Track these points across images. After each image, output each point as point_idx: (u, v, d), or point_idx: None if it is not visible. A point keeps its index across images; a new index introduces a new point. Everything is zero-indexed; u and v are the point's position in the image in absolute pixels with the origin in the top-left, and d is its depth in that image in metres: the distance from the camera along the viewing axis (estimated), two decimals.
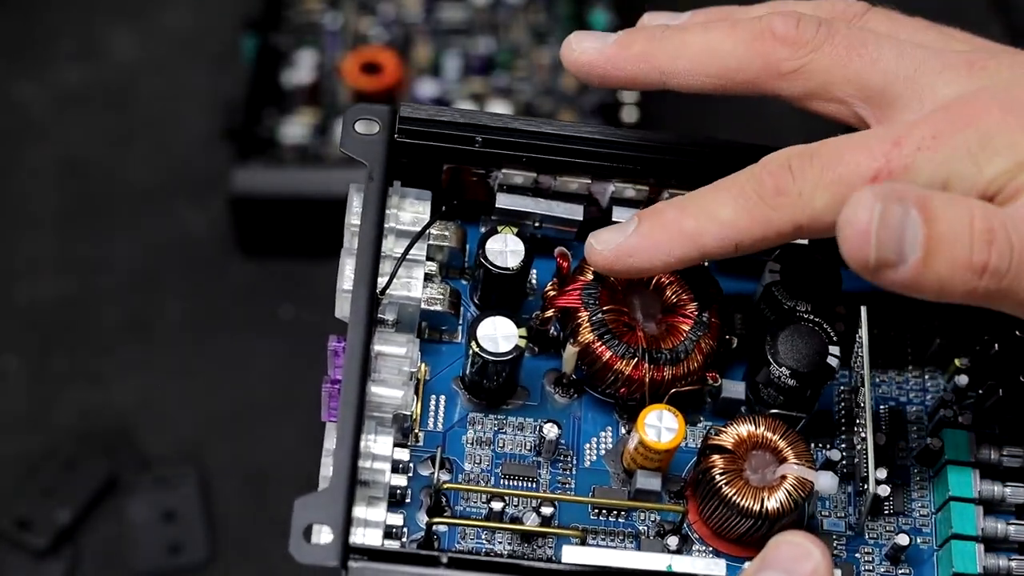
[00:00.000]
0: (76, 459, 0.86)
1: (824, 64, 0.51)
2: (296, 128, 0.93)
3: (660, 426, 0.51)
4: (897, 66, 0.50)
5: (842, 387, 0.55)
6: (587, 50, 0.53)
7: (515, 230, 0.54)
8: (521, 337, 0.52)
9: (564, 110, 0.93)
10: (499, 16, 0.99)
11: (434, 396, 0.54)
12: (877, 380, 0.56)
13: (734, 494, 0.50)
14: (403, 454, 0.51)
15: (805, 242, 0.55)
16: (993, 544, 0.53)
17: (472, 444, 0.53)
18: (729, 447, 0.51)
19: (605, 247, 0.51)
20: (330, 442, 0.50)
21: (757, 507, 0.50)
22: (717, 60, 0.52)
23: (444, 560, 0.47)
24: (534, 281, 0.56)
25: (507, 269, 0.53)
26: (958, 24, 0.54)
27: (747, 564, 0.48)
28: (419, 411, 0.53)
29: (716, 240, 0.49)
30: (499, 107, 0.91)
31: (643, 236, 0.50)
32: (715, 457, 0.51)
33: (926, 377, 0.56)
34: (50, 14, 1.03)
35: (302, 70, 0.95)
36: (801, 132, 0.53)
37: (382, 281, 0.52)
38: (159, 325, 0.92)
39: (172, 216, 0.96)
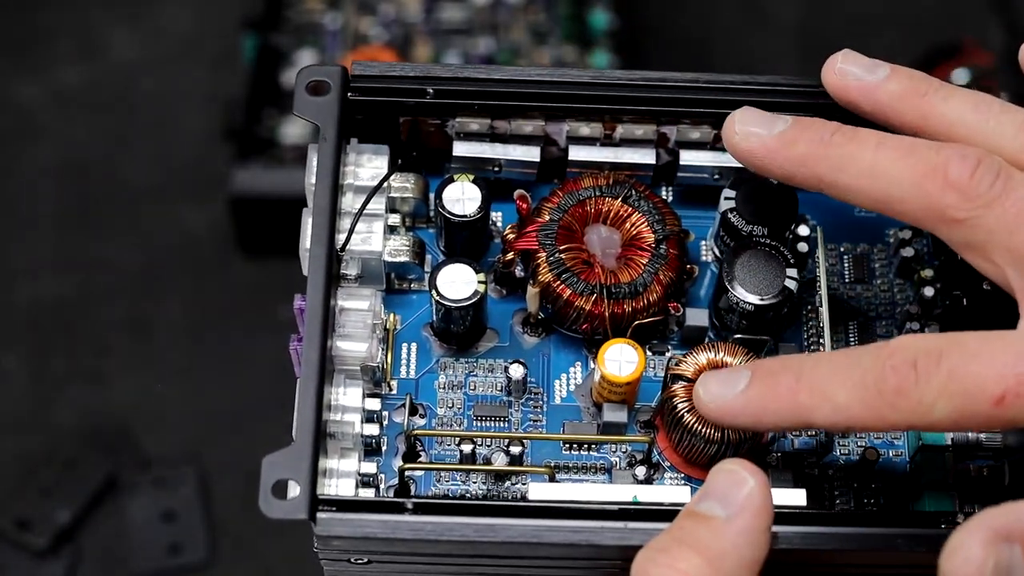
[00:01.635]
0: (76, 459, 0.87)
1: (990, 224, 0.47)
2: (296, 128, 0.94)
3: (620, 360, 0.52)
4: None
5: (808, 307, 0.56)
6: (749, 137, 0.50)
7: (471, 177, 0.55)
8: (480, 282, 0.53)
9: None
10: (499, 16, 0.99)
11: (405, 344, 0.55)
12: (846, 296, 0.57)
13: (695, 422, 0.51)
14: (374, 404, 0.52)
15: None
16: (964, 453, 0.53)
17: (444, 388, 0.54)
18: (690, 376, 0.52)
19: (712, 401, 0.49)
20: (298, 398, 0.52)
21: (718, 433, 0.51)
22: (881, 185, 0.48)
23: (409, 506, 0.49)
24: (499, 224, 0.57)
25: (465, 216, 0.54)
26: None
27: None
28: (390, 360, 0.54)
29: (827, 420, 0.47)
30: None
31: (752, 400, 0.48)
32: (676, 386, 0.52)
33: (895, 290, 0.57)
34: (50, 14, 1.04)
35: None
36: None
37: (341, 238, 0.53)
38: (159, 325, 0.93)
39: (172, 216, 0.97)
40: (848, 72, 0.51)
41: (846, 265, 0.57)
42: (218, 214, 0.95)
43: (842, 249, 0.57)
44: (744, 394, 0.49)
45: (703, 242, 0.57)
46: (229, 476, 0.88)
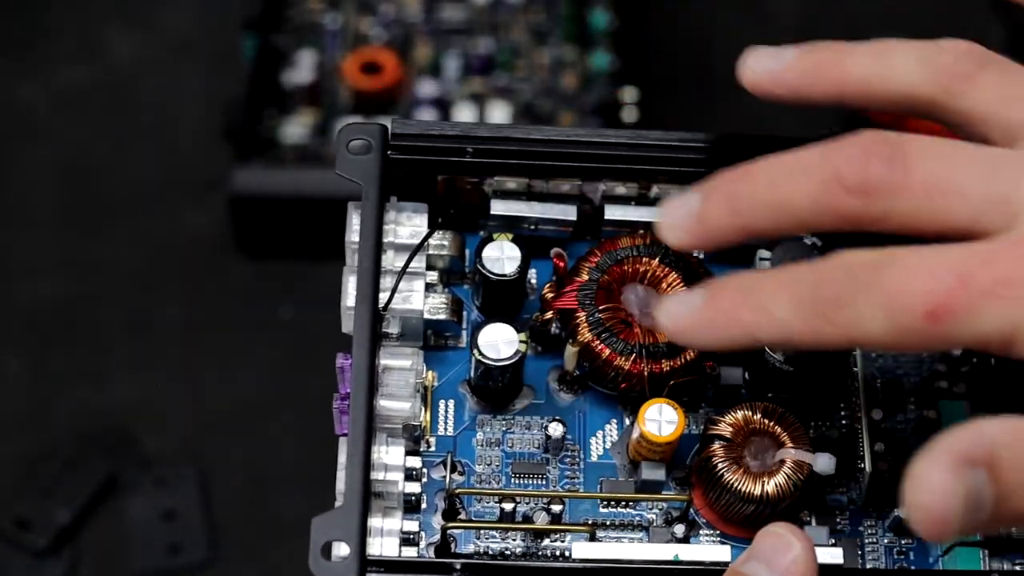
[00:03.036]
0: (76, 459, 0.87)
1: (904, 211, 0.46)
2: (296, 128, 0.94)
3: (660, 419, 0.53)
4: (988, 191, 0.46)
5: (851, 363, 0.57)
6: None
7: (510, 236, 0.55)
8: (521, 342, 0.54)
9: (564, 110, 0.94)
10: (499, 16, 0.99)
11: (443, 401, 0.56)
12: (873, 355, 0.58)
13: (734, 480, 0.52)
14: (415, 461, 0.53)
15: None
16: None
17: (482, 446, 0.55)
18: (727, 435, 0.53)
19: (669, 321, 0.49)
20: (343, 457, 0.52)
21: (758, 492, 0.52)
22: (791, 218, 0.48)
23: (458, 566, 0.49)
24: (534, 281, 0.58)
25: (504, 275, 0.55)
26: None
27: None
28: (429, 418, 0.55)
29: (770, 336, 0.47)
30: (499, 107, 0.92)
31: (704, 319, 0.48)
32: (714, 446, 0.53)
33: (924, 352, 0.58)
34: (50, 14, 1.04)
35: (302, 70, 0.96)
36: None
37: (384, 296, 0.54)
38: (159, 325, 0.93)
39: (172, 216, 0.97)
40: (757, 66, 0.52)
41: None
42: (219, 214, 0.95)
43: None
44: (697, 313, 0.48)
45: None
46: (230, 476, 0.88)
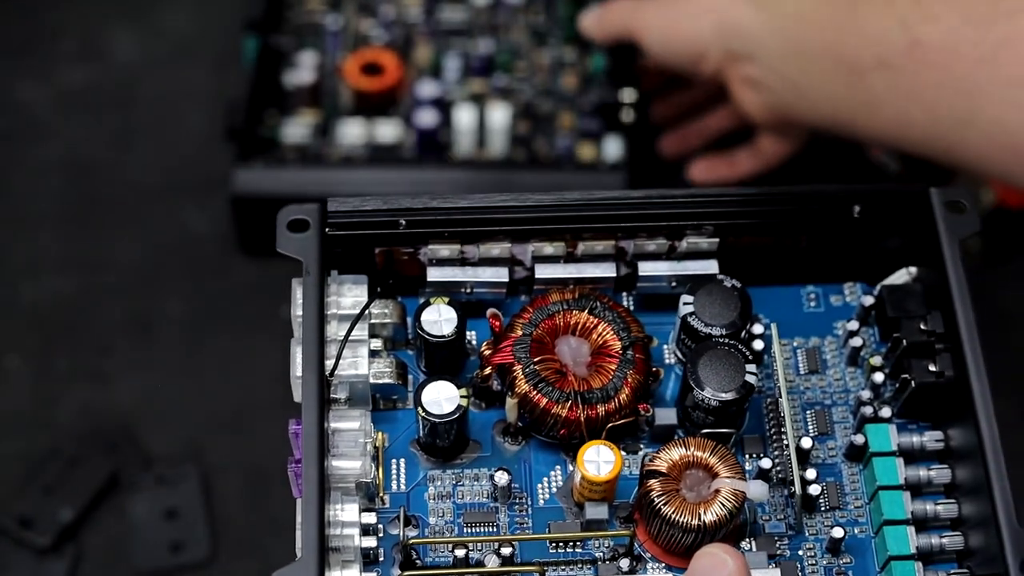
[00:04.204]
0: (78, 457, 0.87)
1: None
2: (297, 128, 0.94)
3: (599, 460, 0.56)
4: None
5: (769, 399, 0.60)
6: None
7: (446, 300, 0.59)
8: (462, 397, 0.57)
9: (564, 111, 0.94)
10: (499, 17, 0.99)
11: (395, 460, 0.59)
12: (802, 388, 0.61)
13: (673, 512, 0.55)
14: (370, 517, 0.56)
15: (715, 272, 0.60)
16: (924, 524, 0.57)
17: (434, 499, 0.58)
18: (664, 471, 0.55)
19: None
20: (300, 516, 0.55)
21: (695, 522, 0.54)
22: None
23: None
24: (474, 341, 0.61)
25: (443, 336, 0.58)
26: None
27: None
28: (382, 476, 0.58)
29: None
30: (499, 108, 0.92)
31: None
32: (652, 481, 0.55)
33: (847, 378, 0.61)
34: (53, 14, 1.04)
35: (303, 71, 0.95)
36: None
37: (329, 364, 0.57)
38: (161, 324, 0.93)
39: (174, 216, 0.96)
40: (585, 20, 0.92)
41: (800, 358, 0.61)
42: (219, 214, 0.95)
43: (795, 343, 0.62)
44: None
45: (665, 346, 0.61)
46: (231, 474, 0.88)
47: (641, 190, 0.59)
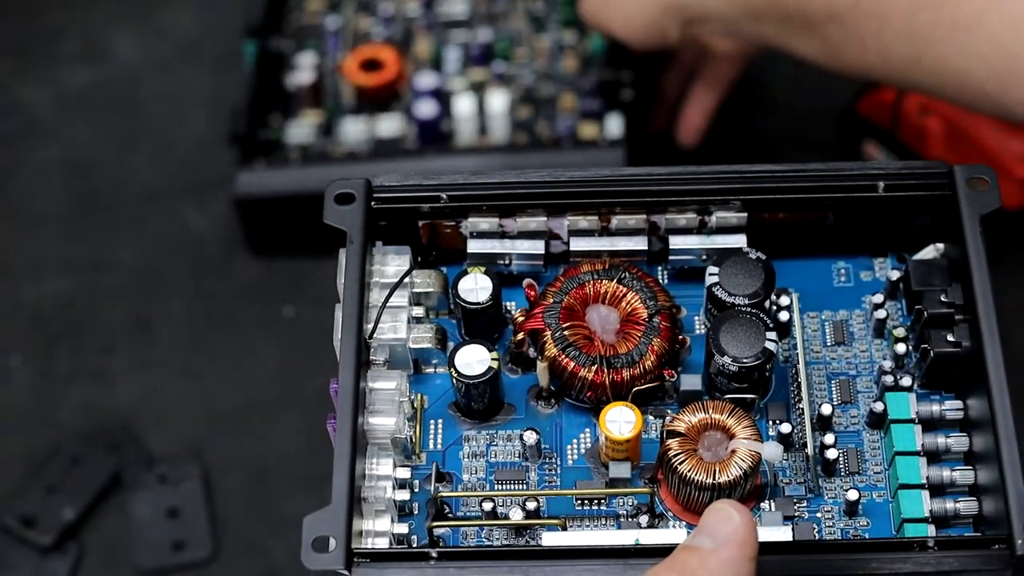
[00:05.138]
0: (80, 457, 0.87)
1: None
2: (301, 129, 0.95)
3: (620, 420, 0.58)
4: None
5: (793, 368, 0.62)
6: None
7: (483, 269, 0.62)
8: (493, 359, 0.60)
9: (565, 92, 0.95)
10: (497, 6, 1.01)
11: (432, 421, 0.62)
12: (828, 358, 0.62)
13: (690, 470, 0.57)
14: (404, 472, 0.59)
15: (742, 246, 0.62)
16: (941, 490, 0.59)
17: (468, 458, 0.61)
18: (682, 431, 0.58)
19: None
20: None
21: (711, 480, 0.57)
22: None
23: (434, 554, 0.55)
24: (513, 311, 0.64)
25: (479, 304, 0.61)
26: None
27: None
28: (419, 435, 0.61)
29: None
30: (498, 95, 0.93)
31: None
32: (671, 441, 0.58)
33: (872, 349, 0.63)
34: (55, 17, 1.05)
35: (303, 72, 0.96)
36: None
37: (368, 328, 0.60)
38: (163, 324, 0.94)
39: (175, 216, 0.97)
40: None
41: (827, 330, 0.63)
42: (221, 214, 0.96)
43: (823, 316, 0.63)
44: None
45: (696, 317, 0.63)
46: (233, 473, 0.88)
47: (669, 166, 0.62)
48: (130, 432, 0.90)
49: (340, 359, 0.59)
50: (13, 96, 1.03)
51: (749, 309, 0.60)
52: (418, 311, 0.63)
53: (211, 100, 0.99)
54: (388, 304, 0.61)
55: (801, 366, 0.60)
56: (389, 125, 0.95)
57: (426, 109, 0.94)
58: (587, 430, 0.61)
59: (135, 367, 0.92)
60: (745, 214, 0.62)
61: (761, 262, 0.61)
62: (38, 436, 0.90)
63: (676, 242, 0.63)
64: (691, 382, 0.61)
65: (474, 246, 0.63)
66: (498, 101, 0.93)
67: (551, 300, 0.61)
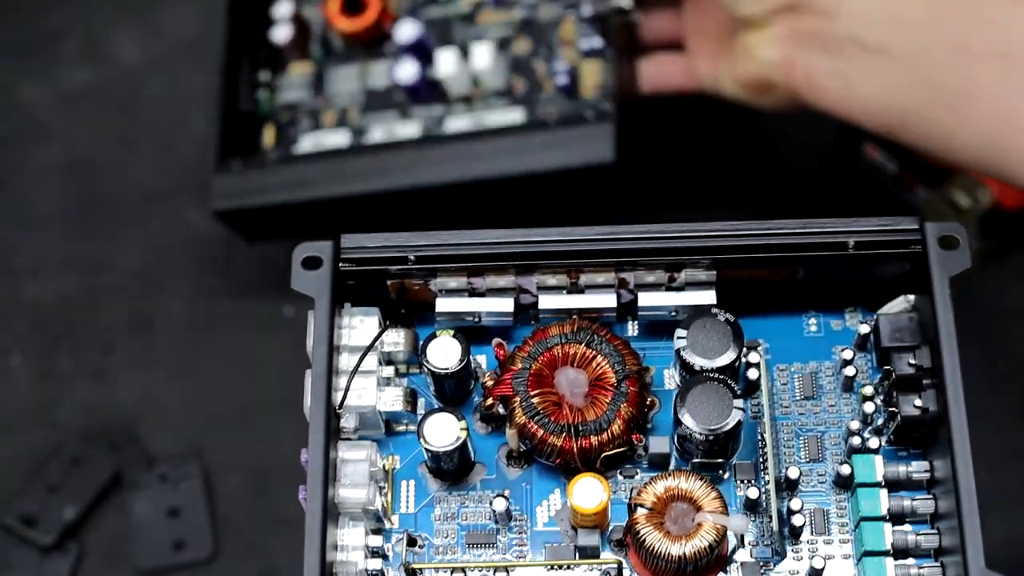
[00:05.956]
0: (81, 456, 0.87)
1: None
2: (292, 91, 0.90)
3: (587, 492, 0.59)
4: None
5: (762, 427, 0.62)
6: None
7: (451, 332, 0.62)
8: (462, 429, 0.60)
9: (566, 18, 0.88)
10: None
11: (404, 482, 0.62)
12: (796, 413, 0.63)
13: (657, 543, 0.58)
14: (376, 540, 0.60)
15: (712, 303, 0.62)
16: (905, 553, 0.59)
17: (440, 520, 0.62)
18: (649, 504, 0.58)
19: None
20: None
21: (677, 553, 0.57)
22: None
23: None
24: (484, 366, 0.64)
25: (447, 369, 0.61)
26: None
27: None
28: (391, 497, 0.62)
29: None
30: (481, 49, 0.87)
31: None
32: (638, 514, 0.58)
33: (841, 403, 0.63)
34: (55, 17, 1.04)
35: (281, 26, 0.91)
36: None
37: (338, 396, 0.60)
38: (163, 323, 0.93)
39: (175, 216, 0.97)
40: None
41: (796, 385, 0.63)
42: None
43: (793, 368, 0.64)
44: None
45: (665, 370, 0.64)
46: (233, 473, 0.89)
47: (639, 225, 0.62)
48: (130, 432, 0.89)
49: (310, 430, 0.59)
50: (13, 96, 1.02)
51: (717, 376, 0.60)
52: (387, 371, 0.63)
53: (211, 100, 0.96)
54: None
55: (768, 433, 0.60)
56: (379, 73, 0.91)
57: (407, 72, 0.88)
58: (557, 491, 0.62)
59: (135, 367, 0.92)
60: (714, 272, 0.62)
61: (730, 324, 0.61)
62: (38, 436, 0.90)
63: (645, 299, 0.63)
64: (659, 444, 0.61)
65: (443, 304, 0.63)
66: (481, 57, 0.87)
67: (520, 365, 0.61)
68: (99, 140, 1.00)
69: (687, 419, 0.59)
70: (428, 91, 0.89)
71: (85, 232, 0.97)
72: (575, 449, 0.60)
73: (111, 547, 0.86)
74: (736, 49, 0.80)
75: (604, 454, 0.60)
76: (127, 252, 0.96)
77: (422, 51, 0.89)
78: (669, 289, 0.63)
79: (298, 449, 0.87)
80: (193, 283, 0.95)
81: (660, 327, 0.64)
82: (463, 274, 0.63)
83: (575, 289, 0.63)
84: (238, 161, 0.88)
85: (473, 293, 0.63)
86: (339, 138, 0.89)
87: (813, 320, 0.65)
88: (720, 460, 0.61)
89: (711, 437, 0.59)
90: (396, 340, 0.63)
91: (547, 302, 0.63)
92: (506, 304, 0.63)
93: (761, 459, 0.62)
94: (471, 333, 0.63)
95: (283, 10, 0.93)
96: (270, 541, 0.86)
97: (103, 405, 0.91)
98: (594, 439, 0.60)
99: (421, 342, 0.62)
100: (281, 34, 0.92)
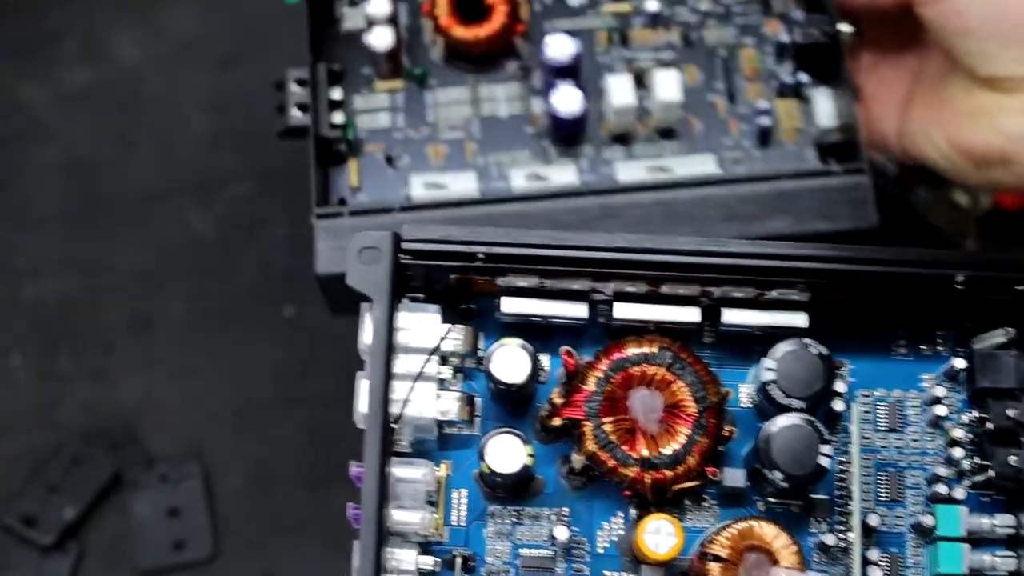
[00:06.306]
0: (81, 456, 0.88)
1: None
2: (370, 115, 0.73)
3: (659, 535, 0.55)
4: None
5: (841, 468, 0.58)
6: None
7: (519, 342, 0.57)
8: (528, 455, 0.56)
9: (743, 45, 0.73)
10: None
11: (456, 491, 0.58)
12: (878, 445, 0.59)
13: None
14: (427, 561, 0.56)
15: (803, 326, 0.57)
16: None
17: (493, 538, 0.58)
18: (723, 555, 0.55)
19: None
20: (356, 560, 0.55)
21: None
22: None
23: None
24: (546, 366, 0.59)
25: (513, 384, 0.56)
26: None
27: None
28: (442, 509, 0.58)
29: None
30: (666, 76, 0.70)
31: None
32: (712, 567, 0.55)
33: (926, 439, 0.59)
34: (55, 17, 1.03)
35: (378, 31, 0.71)
36: None
37: (394, 398, 0.55)
38: (163, 324, 0.94)
39: (176, 216, 0.97)
40: None
41: (879, 413, 0.59)
42: (221, 214, 0.96)
43: (877, 394, 0.59)
44: None
45: (742, 386, 0.59)
46: (233, 473, 0.90)
47: (733, 242, 0.56)
48: (130, 432, 0.89)
49: (366, 446, 0.54)
50: (13, 96, 1.00)
51: (805, 417, 0.56)
52: (444, 371, 0.58)
53: (211, 100, 0.97)
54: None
55: (855, 485, 0.56)
56: (499, 97, 0.72)
57: (568, 101, 0.69)
58: (619, 514, 0.58)
59: (135, 367, 0.92)
60: (808, 293, 0.57)
61: (822, 358, 0.56)
62: (38, 436, 0.90)
63: (729, 316, 0.58)
64: (734, 477, 0.57)
65: (509, 304, 0.58)
66: (668, 87, 0.71)
67: (593, 388, 0.56)
68: (99, 140, 0.99)
69: (769, 462, 0.55)
70: (576, 126, 0.71)
71: (85, 232, 0.97)
72: (648, 482, 0.56)
73: (111, 547, 0.87)
74: (959, 108, 0.66)
75: (676, 487, 0.56)
76: (127, 252, 0.96)
77: (574, 74, 0.71)
78: (756, 306, 0.58)
79: (298, 449, 0.88)
80: (193, 283, 0.95)
81: (742, 339, 0.59)
82: (535, 275, 0.57)
83: (655, 298, 0.58)
84: (341, 207, 0.69)
85: (543, 293, 0.58)
86: (465, 183, 0.71)
87: (902, 341, 0.60)
88: (798, 504, 0.57)
89: (795, 485, 0.55)
90: (456, 338, 0.58)
91: (623, 311, 0.58)
92: (580, 310, 0.58)
93: (840, 496, 0.58)
94: (535, 330, 0.58)
95: (380, 5, 0.72)
96: (270, 541, 0.87)
97: (103, 405, 0.91)
98: (668, 472, 0.56)
99: (485, 350, 0.57)
100: (381, 39, 0.71)
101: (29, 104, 1.01)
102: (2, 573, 0.86)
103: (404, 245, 0.56)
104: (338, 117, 0.72)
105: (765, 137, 0.72)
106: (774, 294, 0.57)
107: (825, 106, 0.71)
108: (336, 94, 0.72)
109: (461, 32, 0.72)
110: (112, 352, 0.93)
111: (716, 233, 0.67)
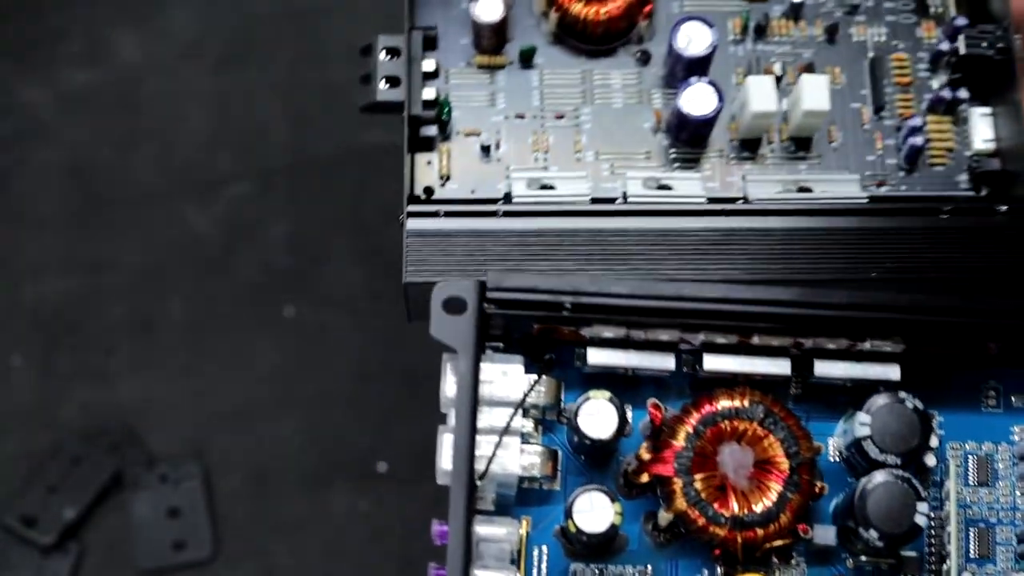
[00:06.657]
0: (81, 456, 0.88)
1: None
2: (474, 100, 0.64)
3: None
4: None
5: (932, 525, 0.56)
6: None
7: (607, 396, 0.55)
8: (617, 513, 0.54)
9: (896, 50, 0.64)
10: None
11: (537, 547, 0.56)
12: (968, 501, 0.57)
13: None
14: None
15: (896, 379, 0.55)
16: None
17: None
18: None
19: None
20: None
21: None
22: None
23: None
24: (629, 416, 0.57)
25: (600, 440, 0.55)
26: None
27: None
28: (523, 569, 0.56)
29: None
30: (813, 80, 0.62)
31: None
32: None
33: (1017, 494, 0.57)
34: (55, 17, 1.03)
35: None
36: None
37: (478, 453, 0.53)
38: (163, 324, 0.94)
39: (176, 216, 0.97)
40: None
41: (969, 466, 0.58)
42: (221, 214, 0.95)
43: (967, 447, 0.58)
44: None
45: (831, 440, 0.58)
46: (233, 473, 0.90)
47: (825, 291, 0.55)
48: (131, 432, 0.89)
49: (451, 504, 0.52)
50: (13, 96, 1.00)
51: (902, 474, 0.54)
52: (526, 425, 0.56)
53: (211, 100, 0.97)
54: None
55: (953, 544, 0.55)
56: (610, 82, 0.65)
57: (702, 99, 0.62)
58: (705, 572, 0.56)
59: (135, 367, 0.91)
60: (903, 345, 0.56)
61: (918, 413, 0.55)
62: (39, 436, 0.89)
63: (822, 368, 0.56)
64: (824, 535, 0.56)
65: (596, 356, 0.56)
66: (816, 93, 0.63)
67: (683, 443, 0.54)
68: (99, 140, 0.99)
69: (864, 521, 0.54)
70: (705, 128, 0.64)
71: (85, 232, 0.96)
72: (739, 541, 0.54)
73: (111, 547, 0.87)
74: None
75: (767, 545, 0.55)
76: (127, 252, 0.96)
77: (704, 68, 0.64)
78: (848, 357, 0.56)
79: (298, 449, 0.87)
80: (193, 283, 0.95)
81: (825, 389, 0.57)
82: (622, 325, 0.55)
83: (744, 348, 0.56)
84: (434, 205, 0.62)
85: (629, 344, 0.56)
86: (575, 184, 0.63)
87: (992, 391, 0.58)
88: (890, 562, 0.55)
89: (890, 544, 0.54)
90: (538, 390, 0.56)
91: (712, 363, 0.56)
92: (668, 361, 0.56)
93: (931, 553, 0.56)
94: (619, 381, 0.56)
95: None
96: (270, 541, 0.87)
97: (103, 405, 0.91)
98: (760, 531, 0.54)
99: (572, 405, 0.55)
100: (489, 10, 0.63)
101: (29, 104, 1.01)
102: (2, 573, 0.85)
103: (489, 295, 0.54)
104: (429, 92, 0.63)
105: (913, 157, 0.64)
106: (867, 345, 0.56)
107: (984, 129, 0.64)
108: (429, 64, 0.64)
109: (581, 8, 0.64)
110: (112, 352, 0.93)
111: (863, 271, 0.60)
